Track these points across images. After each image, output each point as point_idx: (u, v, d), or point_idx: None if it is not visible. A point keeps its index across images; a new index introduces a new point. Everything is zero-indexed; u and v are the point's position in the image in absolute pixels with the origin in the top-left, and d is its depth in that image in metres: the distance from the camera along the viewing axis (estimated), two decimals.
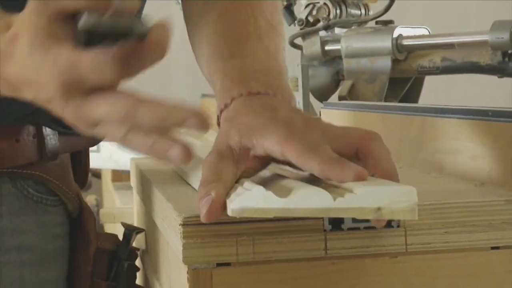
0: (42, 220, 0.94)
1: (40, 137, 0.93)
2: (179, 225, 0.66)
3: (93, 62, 0.62)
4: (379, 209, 0.61)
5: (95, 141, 1.02)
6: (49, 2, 0.64)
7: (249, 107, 0.75)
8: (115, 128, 0.65)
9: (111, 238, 1.01)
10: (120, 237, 1.02)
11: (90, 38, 0.62)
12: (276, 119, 0.71)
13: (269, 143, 0.69)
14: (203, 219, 0.65)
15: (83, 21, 0.61)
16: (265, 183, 0.69)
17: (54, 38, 0.64)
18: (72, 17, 0.63)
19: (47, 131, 0.93)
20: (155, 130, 0.64)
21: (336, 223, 0.68)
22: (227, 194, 0.66)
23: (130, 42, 0.61)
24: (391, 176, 0.67)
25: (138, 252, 1.05)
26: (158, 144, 0.65)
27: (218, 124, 0.78)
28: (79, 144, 0.99)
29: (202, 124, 0.63)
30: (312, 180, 0.68)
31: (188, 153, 0.64)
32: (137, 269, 1.02)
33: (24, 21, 0.65)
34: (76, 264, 0.97)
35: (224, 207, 0.65)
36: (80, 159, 1.02)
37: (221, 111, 0.77)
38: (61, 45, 0.63)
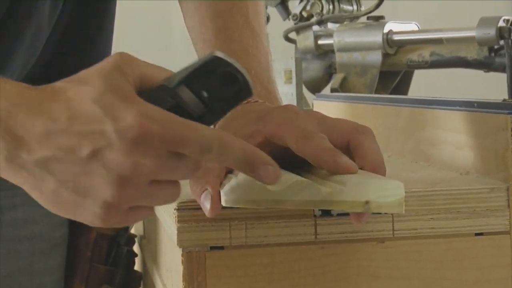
0: None
1: None
2: (174, 209, 0.68)
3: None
4: (367, 202, 0.61)
5: None
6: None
7: (247, 108, 0.75)
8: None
9: None
10: None
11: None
12: (277, 108, 0.72)
13: (268, 127, 0.69)
14: (209, 215, 0.65)
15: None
16: None
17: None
18: None
19: None
20: None
21: (326, 209, 0.69)
22: (221, 184, 0.67)
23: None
24: (378, 169, 0.67)
25: (136, 239, 1.07)
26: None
27: None
28: None
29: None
30: (303, 171, 0.69)
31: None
32: (135, 254, 1.03)
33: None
34: (77, 249, 0.99)
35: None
36: None
37: None
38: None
